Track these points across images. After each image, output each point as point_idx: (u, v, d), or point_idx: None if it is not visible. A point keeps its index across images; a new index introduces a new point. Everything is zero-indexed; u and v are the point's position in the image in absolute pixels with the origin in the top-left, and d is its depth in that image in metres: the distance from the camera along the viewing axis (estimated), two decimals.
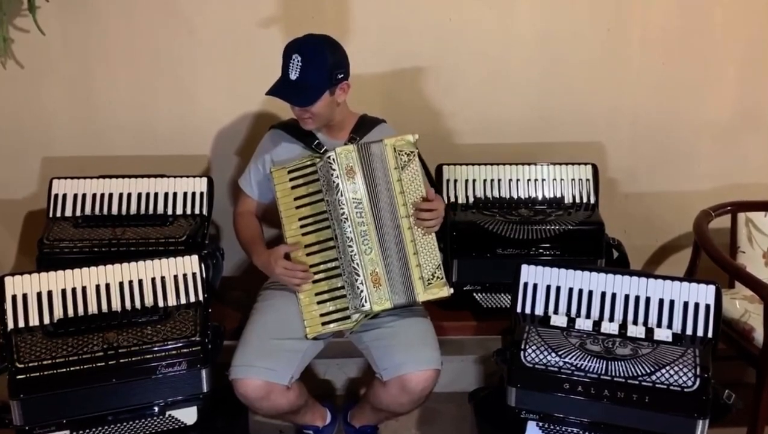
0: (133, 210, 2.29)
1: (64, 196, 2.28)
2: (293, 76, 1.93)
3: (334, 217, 1.95)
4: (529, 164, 2.36)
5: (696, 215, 2.39)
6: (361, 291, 1.91)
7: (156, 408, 1.86)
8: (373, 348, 1.98)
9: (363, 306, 1.91)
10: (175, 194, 2.31)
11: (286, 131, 2.12)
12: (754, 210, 2.42)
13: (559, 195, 2.35)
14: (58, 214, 2.26)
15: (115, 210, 2.28)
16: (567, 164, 2.37)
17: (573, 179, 2.36)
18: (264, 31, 2.41)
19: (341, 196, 1.92)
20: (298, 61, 1.91)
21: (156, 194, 2.31)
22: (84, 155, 2.51)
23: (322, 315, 1.97)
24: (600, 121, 2.56)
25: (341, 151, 1.93)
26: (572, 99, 2.54)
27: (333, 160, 1.92)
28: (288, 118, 2.16)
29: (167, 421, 1.88)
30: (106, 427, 1.83)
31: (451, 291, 1.95)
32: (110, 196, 2.29)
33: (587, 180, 2.36)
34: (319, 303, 1.98)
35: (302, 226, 2.00)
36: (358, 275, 1.91)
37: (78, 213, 2.27)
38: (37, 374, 1.75)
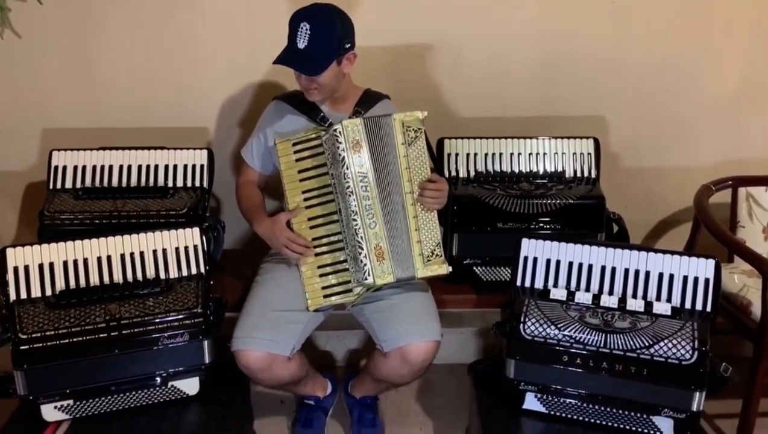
0: (134, 182, 2.28)
1: (64, 168, 2.27)
2: (301, 44, 1.90)
3: (338, 190, 1.95)
4: (530, 138, 2.35)
5: (697, 190, 2.40)
6: (365, 264, 1.91)
7: (158, 379, 1.87)
8: (373, 320, 1.99)
9: (366, 279, 1.91)
10: (175, 166, 2.31)
11: (289, 103, 2.11)
12: (754, 185, 2.42)
13: (560, 169, 2.34)
14: (59, 186, 2.26)
15: (115, 182, 2.28)
16: (568, 138, 2.36)
17: (574, 153, 2.35)
18: (265, 1, 2.38)
19: (347, 169, 1.91)
20: (306, 30, 1.89)
21: (156, 166, 2.30)
22: (84, 127, 2.50)
23: (324, 287, 1.98)
24: (602, 94, 2.55)
25: (348, 123, 1.92)
26: (575, 72, 2.52)
27: (339, 132, 1.91)
28: (290, 90, 2.14)
29: (170, 391, 1.89)
30: (109, 397, 1.84)
31: (450, 269, 1.95)
32: (110, 168, 2.29)
33: (589, 154, 2.35)
34: (321, 275, 1.98)
35: (306, 199, 1.99)
36: (362, 248, 1.91)
37: (78, 185, 2.27)
38: (40, 345, 1.76)
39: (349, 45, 1.96)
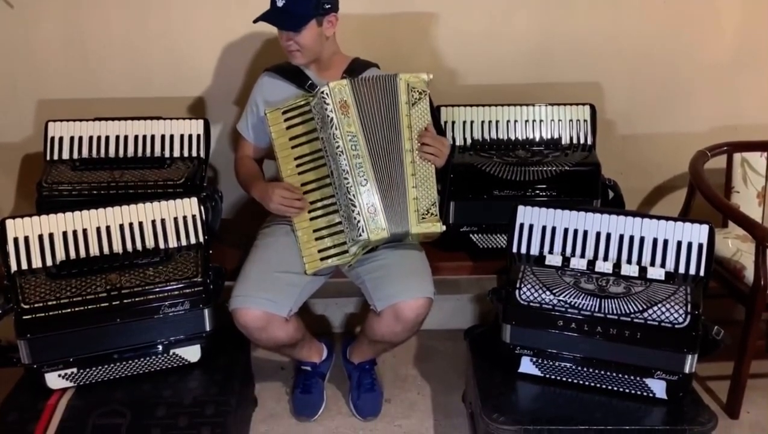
0: (131, 152, 2.28)
1: (61, 139, 2.27)
2: (280, 2, 1.95)
3: (329, 152, 1.97)
4: (526, 105, 2.35)
5: (692, 156, 2.40)
6: (358, 221, 1.93)
7: (160, 347, 1.90)
8: (368, 280, 2.02)
9: (360, 235, 1.93)
10: (172, 136, 2.30)
11: (278, 73, 2.14)
12: (749, 150, 2.43)
13: (556, 136, 2.34)
14: (56, 157, 2.26)
15: (112, 152, 2.27)
16: (565, 105, 2.35)
17: (570, 120, 2.35)
18: None
19: (336, 129, 1.93)
20: None
21: (153, 136, 2.30)
22: (79, 97, 2.48)
23: (320, 250, 2.01)
24: (598, 61, 2.54)
25: (334, 85, 1.94)
26: (571, 39, 2.50)
27: (327, 94, 1.93)
28: (282, 61, 2.14)
29: (171, 359, 1.92)
30: (112, 365, 1.88)
31: (443, 228, 1.97)
32: (107, 138, 2.28)
33: (585, 121, 2.35)
34: (317, 239, 2.01)
35: (298, 165, 2.02)
36: (355, 206, 1.93)
37: (75, 156, 2.26)
38: (43, 314, 1.79)
39: (329, 6, 1.99)
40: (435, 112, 2.07)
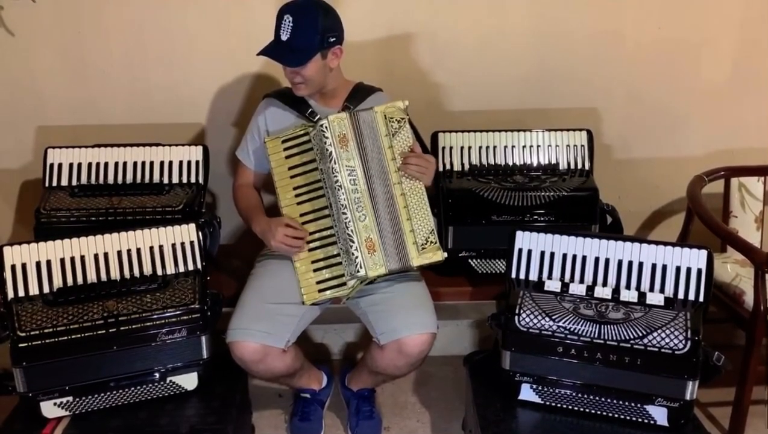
0: (129, 179, 2.29)
1: (60, 166, 2.27)
2: (284, 37, 1.92)
3: (328, 185, 1.96)
4: (524, 130, 2.36)
5: (689, 180, 2.41)
6: (356, 257, 1.92)
7: (157, 375, 1.88)
8: (370, 313, 2.01)
9: (358, 272, 1.93)
10: (170, 163, 2.31)
11: (279, 99, 2.12)
12: (747, 175, 2.44)
13: (553, 161, 2.35)
14: (54, 184, 2.27)
15: (111, 179, 2.28)
16: (562, 130, 2.37)
17: (568, 145, 2.36)
18: None
19: (335, 164, 1.92)
20: (289, 22, 1.91)
21: (152, 163, 2.30)
22: (78, 124, 2.50)
23: (318, 282, 1.99)
24: (595, 86, 2.56)
25: (334, 118, 1.93)
26: (567, 64, 2.53)
27: (326, 128, 1.93)
28: (283, 86, 2.15)
29: (168, 387, 1.91)
30: (108, 393, 1.86)
31: (445, 255, 1.96)
32: (106, 165, 2.29)
33: (582, 146, 2.36)
34: (315, 270, 2.00)
35: (297, 195, 2.01)
36: (353, 242, 1.93)
37: (74, 182, 2.27)
38: (39, 342, 1.77)
39: (334, 39, 1.96)
40: (418, 134, 2.05)
